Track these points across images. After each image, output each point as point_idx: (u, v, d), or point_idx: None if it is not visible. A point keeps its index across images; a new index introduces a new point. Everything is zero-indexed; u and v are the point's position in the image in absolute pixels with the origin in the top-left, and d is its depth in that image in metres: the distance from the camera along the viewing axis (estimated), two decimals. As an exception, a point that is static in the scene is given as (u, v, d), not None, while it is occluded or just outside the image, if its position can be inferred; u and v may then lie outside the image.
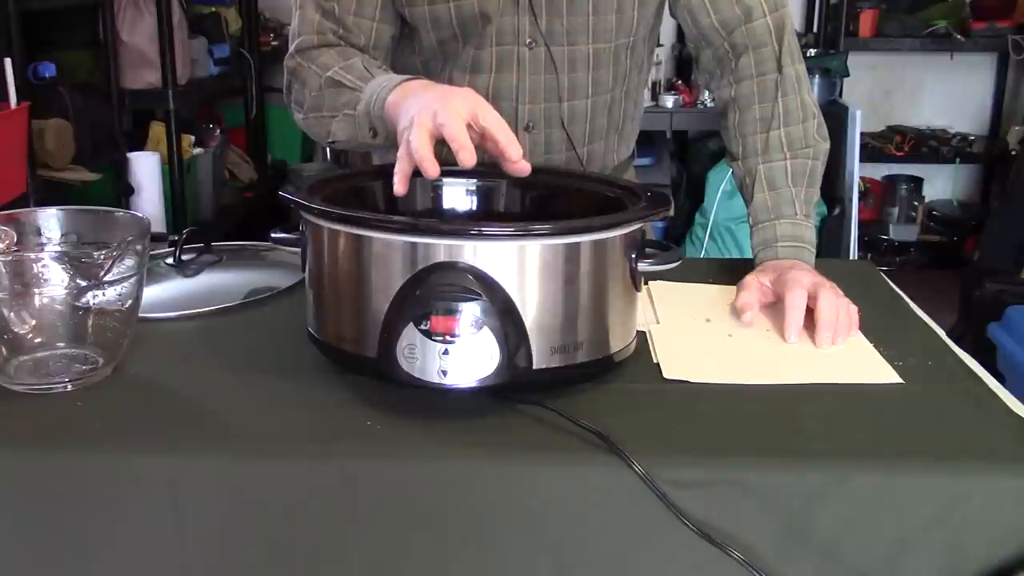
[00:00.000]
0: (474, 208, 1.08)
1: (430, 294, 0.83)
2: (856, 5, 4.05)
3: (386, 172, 0.97)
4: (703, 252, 3.58)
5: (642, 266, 0.92)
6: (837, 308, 1.03)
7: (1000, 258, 3.04)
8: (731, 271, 1.20)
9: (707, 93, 3.68)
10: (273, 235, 0.99)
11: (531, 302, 0.85)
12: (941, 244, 4.30)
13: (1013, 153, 3.94)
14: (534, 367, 0.86)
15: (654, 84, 3.68)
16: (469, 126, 0.93)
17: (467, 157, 0.90)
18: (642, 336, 1.02)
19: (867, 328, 1.05)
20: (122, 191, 2.79)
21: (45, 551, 0.82)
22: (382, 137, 1.10)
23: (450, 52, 1.23)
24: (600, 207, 0.98)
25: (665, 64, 3.88)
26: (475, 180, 1.08)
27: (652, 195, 0.97)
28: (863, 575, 0.79)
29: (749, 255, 1.20)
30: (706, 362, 0.98)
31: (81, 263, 0.90)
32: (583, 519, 0.80)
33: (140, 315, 0.98)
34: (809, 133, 1.20)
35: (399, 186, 0.94)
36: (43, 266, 0.89)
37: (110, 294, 0.91)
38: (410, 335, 0.83)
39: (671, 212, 0.94)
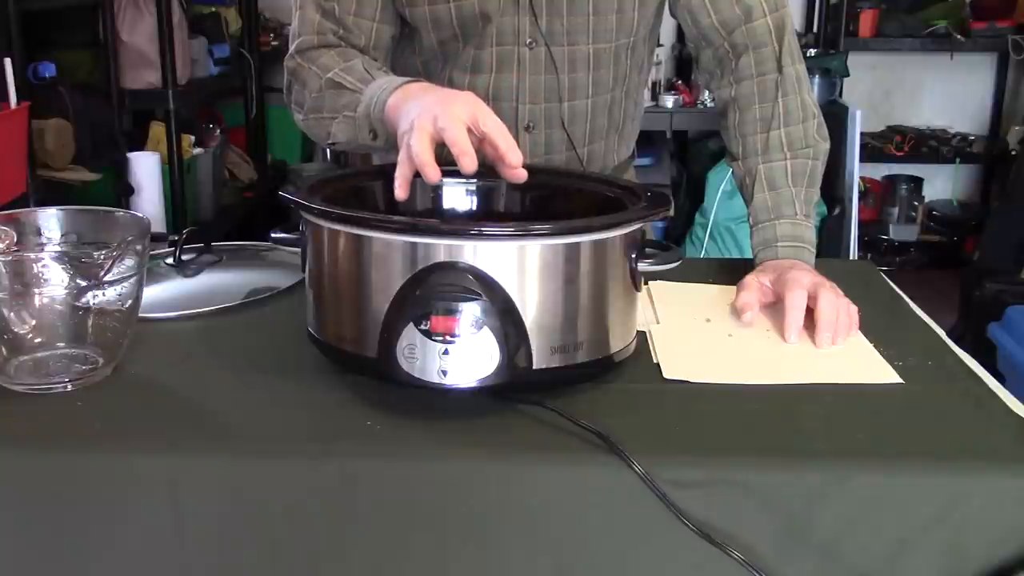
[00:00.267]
0: (474, 208, 1.08)
1: (430, 294, 0.83)
2: (856, 5, 4.05)
3: (386, 172, 0.97)
4: (703, 252, 3.58)
5: (642, 266, 0.92)
6: (837, 308, 1.03)
7: (1000, 258, 3.04)
8: (731, 271, 1.20)
9: (707, 93, 3.68)
10: (273, 235, 0.99)
11: (531, 302, 0.85)
12: (941, 244, 4.30)
13: (1013, 153, 3.94)
14: (534, 367, 0.86)
15: (654, 84, 3.68)
16: (469, 130, 0.93)
17: (468, 163, 0.91)
18: (642, 336, 1.02)
19: (867, 328, 1.05)
20: (122, 191, 2.79)
21: (45, 551, 0.82)
22: (382, 139, 1.10)
23: (450, 52, 1.23)
24: (600, 207, 0.98)
25: (665, 64, 3.88)
26: (475, 180, 1.08)
27: (652, 195, 0.97)
28: (863, 575, 0.79)
29: (749, 255, 1.20)
30: (706, 362, 0.98)
31: (81, 263, 0.90)
32: (583, 519, 0.80)
33: (140, 315, 0.98)
34: (809, 133, 1.20)
35: (400, 190, 0.94)
36: (43, 266, 0.89)
37: (110, 294, 0.91)
38: (410, 335, 0.83)
39: (671, 212, 0.94)
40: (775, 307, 1.09)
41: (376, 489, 0.81)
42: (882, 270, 1.34)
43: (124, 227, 0.98)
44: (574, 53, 1.23)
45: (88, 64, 2.86)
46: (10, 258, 0.91)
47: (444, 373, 0.83)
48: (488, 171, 1.01)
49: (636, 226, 0.91)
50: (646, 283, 1.16)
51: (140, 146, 2.97)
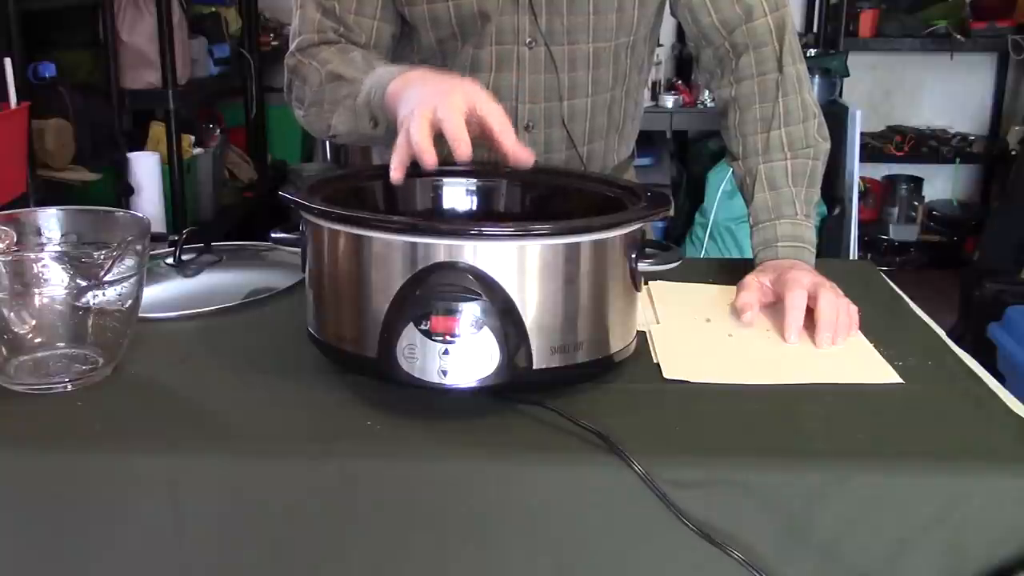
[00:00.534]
0: (474, 208, 1.08)
1: (430, 294, 0.83)
2: (856, 5, 4.05)
3: (386, 172, 0.97)
4: (703, 252, 3.58)
5: (642, 266, 0.92)
6: (837, 308, 1.03)
7: (1000, 258, 3.04)
8: (731, 271, 1.20)
9: (707, 93, 3.68)
10: (273, 235, 0.99)
11: (531, 302, 0.85)
12: (941, 244, 4.30)
13: (1013, 153, 3.94)
14: (534, 367, 0.86)
15: (654, 84, 3.68)
16: (470, 122, 0.93)
17: (463, 150, 0.91)
18: (642, 336, 1.02)
19: (867, 328, 1.05)
20: (122, 191, 2.79)
21: (45, 551, 0.82)
22: (383, 127, 1.09)
23: (449, 51, 1.23)
24: (600, 207, 0.98)
25: (665, 64, 3.88)
26: (475, 180, 1.08)
27: (652, 195, 0.97)
28: (863, 575, 0.79)
29: (749, 255, 1.20)
30: (706, 362, 0.98)
31: (81, 263, 0.90)
32: (583, 519, 0.80)
33: (140, 315, 0.97)
34: (810, 133, 1.20)
35: (395, 173, 0.94)
36: (43, 266, 0.89)
37: (110, 294, 0.91)
38: (410, 335, 0.83)
39: (671, 212, 0.94)
40: (775, 307, 1.09)
41: (376, 489, 0.81)
42: (882, 270, 1.34)
43: (124, 227, 0.98)
44: (574, 52, 1.23)
45: (88, 64, 2.86)
46: (10, 258, 0.91)
47: (444, 373, 0.83)
48: (492, 168, 1.02)
49: (636, 226, 0.91)
50: (646, 283, 1.16)
51: (140, 146, 2.97)
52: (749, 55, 1.22)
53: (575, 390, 0.90)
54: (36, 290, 0.89)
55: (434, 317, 0.83)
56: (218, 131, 3.51)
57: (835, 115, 3.56)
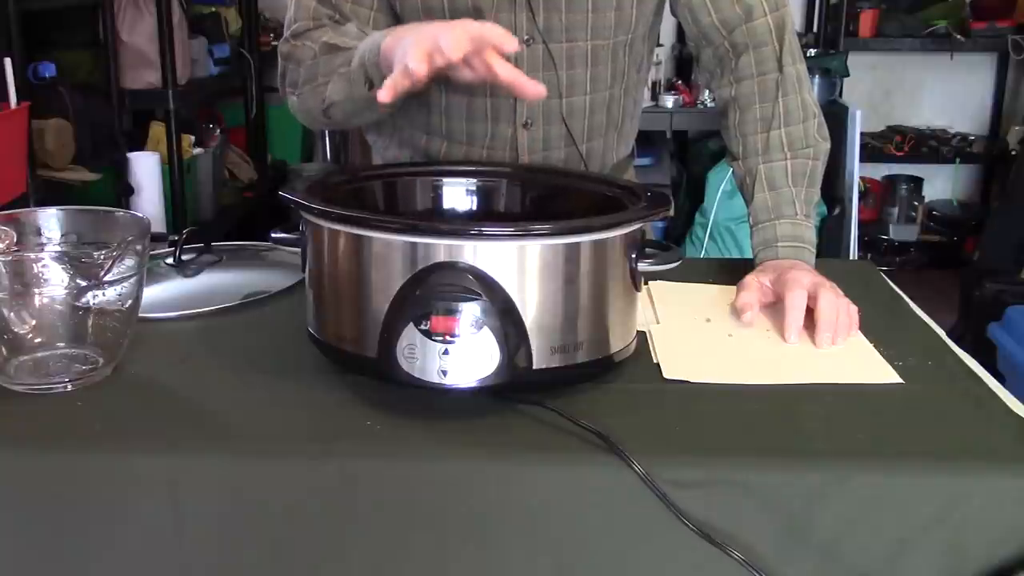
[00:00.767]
0: (474, 208, 1.08)
1: (430, 294, 0.83)
2: (856, 5, 4.05)
3: (386, 172, 0.97)
4: (703, 252, 3.58)
5: (642, 266, 0.92)
6: (837, 308, 1.03)
7: (1000, 258, 3.04)
8: (731, 271, 1.20)
9: (707, 93, 3.68)
10: (273, 235, 0.99)
11: (531, 302, 0.85)
12: (941, 244, 4.30)
13: (1013, 153, 3.94)
14: (534, 367, 0.86)
15: (654, 84, 3.68)
16: (473, 58, 0.93)
17: (455, 52, 0.90)
18: (642, 336, 1.02)
19: (867, 328, 1.05)
20: (122, 191, 2.79)
21: (45, 551, 0.82)
22: (380, 85, 1.08)
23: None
24: (600, 207, 0.98)
25: (665, 64, 3.88)
26: (475, 180, 1.08)
27: (652, 195, 0.97)
28: (863, 575, 0.79)
29: (749, 255, 1.20)
30: (706, 362, 0.98)
31: (81, 263, 0.90)
32: (583, 519, 0.80)
33: (140, 315, 0.97)
34: (809, 133, 1.20)
35: (384, 92, 0.93)
36: (43, 266, 0.89)
37: (110, 294, 0.91)
38: (410, 335, 0.83)
39: (671, 212, 0.94)
40: (775, 307, 1.09)
41: (376, 489, 0.81)
42: (882, 270, 1.34)
43: (124, 227, 0.98)
44: (572, 50, 1.23)
45: (88, 64, 2.86)
46: (10, 258, 0.91)
47: (444, 373, 0.83)
48: (489, 170, 1.02)
49: (636, 226, 0.91)
50: (646, 283, 1.16)
51: (140, 146, 2.97)
52: (749, 55, 1.22)
53: (575, 390, 0.90)
54: (36, 290, 0.89)
55: (434, 317, 0.83)
56: (218, 131, 3.51)
57: (835, 115, 3.56)
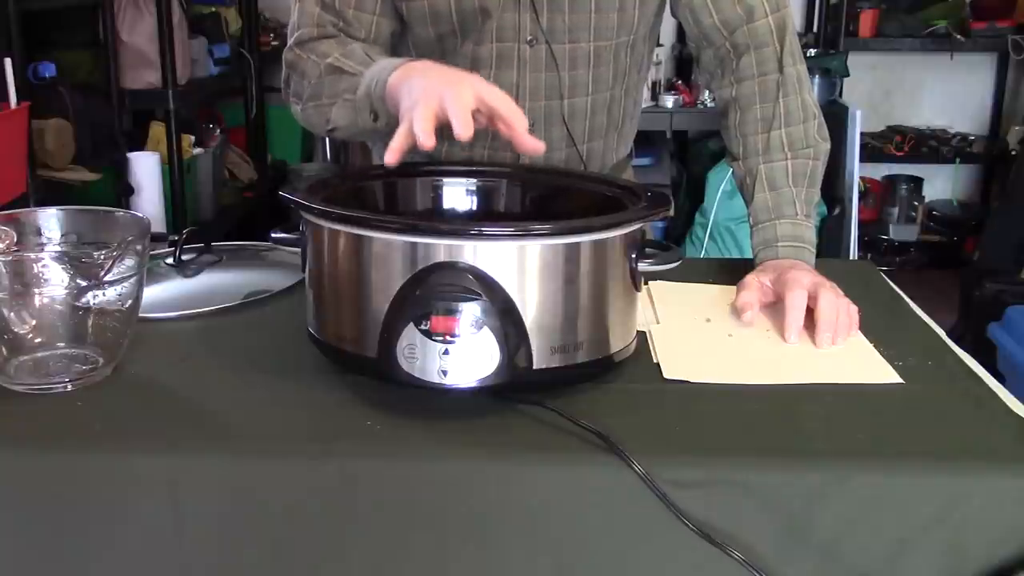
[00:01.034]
0: (474, 208, 1.08)
1: (430, 294, 0.83)
2: (856, 5, 4.05)
3: (386, 171, 0.97)
4: (703, 252, 3.58)
5: (642, 266, 0.92)
6: (837, 308, 1.03)
7: (1000, 258, 3.04)
8: (731, 271, 1.20)
9: (707, 93, 3.68)
10: (273, 235, 0.99)
11: (531, 302, 0.85)
12: (941, 244, 4.30)
13: (1013, 153, 3.94)
14: (534, 367, 0.86)
15: (654, 84, 3.68)
16: (477, 112, 0.92)
17: (464, 129, 0.90)
18: (642, 336, 1.02)
19: (867, 328, 1.05)
20: (122, 191, 2.79)
21: (45, 551, 0.82)
22: (383, 120, 1.08)
23: (448, 48, 1.23)
24: (600, 207, 0.98)
25: (665, 64, 3.88)
26: (475, 180, 1.08)
27: (652, 195, 0.97)
28: (863, 575, 0.79)
29: (749, 255, 1.20)
30: (706, 362, 0.98)
31: (81, 263, 0.90)
32: (583, 519, 0.80)
33: (140, 315, 0.97)
34: (810, 133, 1.21)
35: (391, 155, 0.93)
36: (43, 266, 0.89)
37: (110, 294, 0.91)
38: (410, 335, 0.83)
39: (671, 212, 0.94)
40: (775, 307, 1.09)
41: (376, 489, 0.81)
42: (882, 270, 1.34)
43: (124, 227, 0.98)
44: (575, 51, 1.23)
45: (88, 64, 2.86)
46: (10, 258, 0.91)
47: (444, 373, 0.83)
48: (493, 167, 1.02)
49: (636, 226, 0.91)
50: (646, 283, 1.16)
51: (140, 146, 2.97)
52: (750, 55, 1.22)
53: (575, 390, 0.90)
54: (36, 290, 0.89)
55: (434, 317, 0.83)
56: (218, 131, 3.51)
57: (835, 115, 3.56)
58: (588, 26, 1.22)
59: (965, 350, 1.03)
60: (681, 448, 0.82)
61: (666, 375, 0.95)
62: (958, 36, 3.97)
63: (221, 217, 3.40)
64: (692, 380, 0.94)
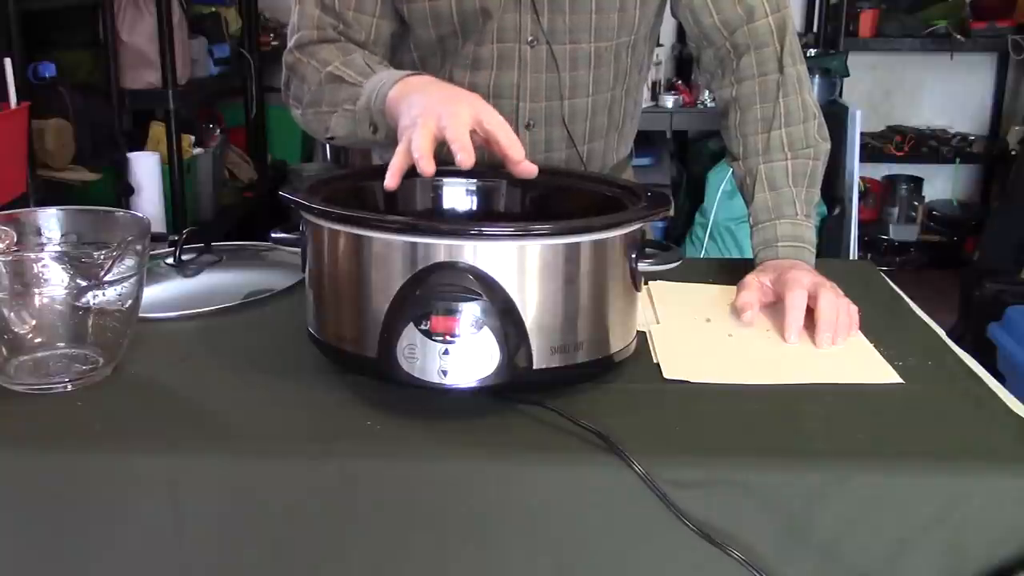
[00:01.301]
0: (474, 208, 1.08)
1: (430, 294, 0.83)
2: (856, 5, 4.05)
3: (386, 172, 0.97)
4: (703, 252, 3.58)
5: (642, 266, 0.92)
6: (837, 308, 1.03)
7: (1000, 258, 3.04)
8: (731, 271, 1.20)
9: (707, 93, 3.68)
10: (273, 235, 0.99)
11: (531, 302, 0.85)
12: (941, 244, 4.30)
13: (1013, 153, 3.94)
14: (534, 367, 0.86)
15: (654, 84, 3.68)
16: (473, 131, 0.93)
17: (466, 158, 0.91)
18: (642, 336, 1.02)
19: (867, 328, 1.05)
20: (122, 191, 2.79)
21: (45, 551, 0.82)
22: (382, 133, 1.09)
23: (449, 49, 1.23)
24: (600, 207, 0.98)
25: (665, 64, 3.88)
26: (475, 180, 1.08)
27: (652, 195, 0.97)
28: (863, 575, 0.79)
29: (749, 255, 1.20)
30: (706, 362, 0.98)
31: (81, 263, 0.90)
32: (583, 519, 0.80)
33: (140, 315, 0.98)
34: (810, 133, 1.21)
35: (391, 180, 0.94)
36: (43, 266, 0.89)
37: (110, 294, 0.91)
38: (410, 335, 0.83)
39: (671, 212, 0.94)
40: (775, 307, 1.09)
41: (376, 489, 0.81)
42: (882, 270, 1.34)
43: (124, 227, 0.98)
44: (576, 51, 1.23)
45: (88, 64, 2.86)
46: (10, 258, 0.91)
47: (444, 373, 0.83)
48: (490, 170, 1.02)
49: (636, 226, 0.91)
50: (646, 283, 1.16)
51: (140, 146, 2.97)
52: (750, 55, 1.22)
53: (575, 390, 0.90)
54: (36, 290, 0.89)
55: (434, 317, 0.83)
56: (218, 131, 3.51)
57: (835, 115, 3.56)
58: (589, 27, 1.22)
59: (965, 350, 1.03)
60: (681, 448, 0.82)
61: (666, 375, 0.95)
62: (958, 36, 3.97)
63: (221, 217, 3.40)
64: (692, 380, 0.94)
